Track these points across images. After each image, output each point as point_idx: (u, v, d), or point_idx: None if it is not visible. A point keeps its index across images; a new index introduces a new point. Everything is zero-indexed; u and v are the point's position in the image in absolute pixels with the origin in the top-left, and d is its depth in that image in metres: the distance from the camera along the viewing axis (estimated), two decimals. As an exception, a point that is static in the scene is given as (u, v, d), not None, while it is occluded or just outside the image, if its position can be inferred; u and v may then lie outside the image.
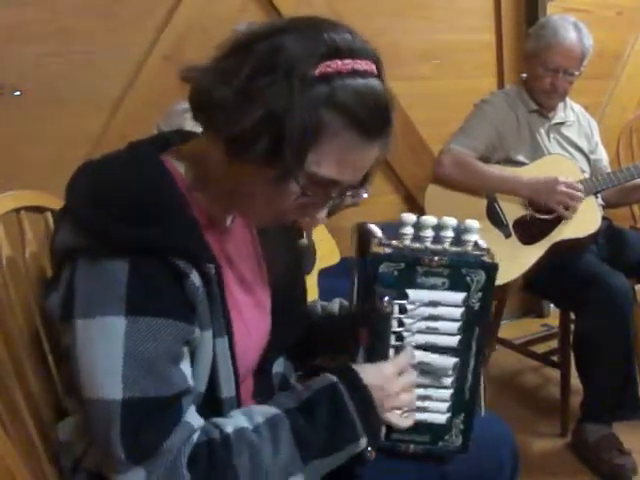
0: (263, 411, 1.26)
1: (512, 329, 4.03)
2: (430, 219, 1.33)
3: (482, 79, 3.97)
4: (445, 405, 1.43)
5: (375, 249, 1.31)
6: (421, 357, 1.38)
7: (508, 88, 3.36)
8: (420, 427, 1.42)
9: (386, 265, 1.30)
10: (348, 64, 1.16)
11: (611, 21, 4.26)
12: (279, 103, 1.13)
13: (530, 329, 4.18)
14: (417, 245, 1.34)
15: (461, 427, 1.44)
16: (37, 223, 1.59)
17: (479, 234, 1.37)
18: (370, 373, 1.33)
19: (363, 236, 1.44)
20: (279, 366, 1.57)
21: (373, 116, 1.19)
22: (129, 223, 1.15)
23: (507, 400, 3.42)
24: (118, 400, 1.13)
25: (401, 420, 1.37)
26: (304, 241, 2.70)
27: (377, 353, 1.37)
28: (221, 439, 1.20)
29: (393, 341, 1.37)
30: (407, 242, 1.33)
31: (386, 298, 1.30)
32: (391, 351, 1.38)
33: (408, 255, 1.32)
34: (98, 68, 3.15)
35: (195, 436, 1.19)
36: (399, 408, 1.37)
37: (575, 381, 2.99)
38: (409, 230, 1.34)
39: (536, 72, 3.07)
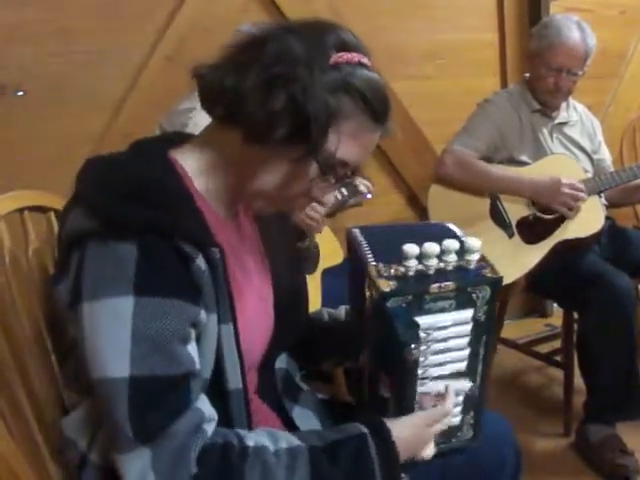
0: (288, 439, 1.27)
1: (515, 329, 4.02)
2: (433, 247, 1.31)
3: (485, 79, 3.96)
4: (458, 409, 1.44)
5: (381, 285, 1.28)
6: (438, 386, 1.39)
7: (511, 88, 3.35)
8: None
9: (394, 300, 1.28)
10: (355, 57, 1.28)
11: (614, 20, 4.25)
12: (301, 86, 1.21)
13: (533, 329, 4.17)
14: (420, 268, 1.32)
15: (471, 422, 1.46)
16: (40, 223, 1.60)
17: (481, 252, 1.36)
18: (404, 428, 1.34)
19: (351, 245, 1.46)
20: (282, 362, 1.58)
21: (380, 101, 1.29)
22: (138, 206, 1.18)
23: (510, 400, 3.42)
24: (126, 378, 1.14)
25: (426, 452, 1.39)
26: (307, 242, 2.70)
27: (406, 398, 1.36)
28: (239, 448, 1.20)
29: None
30: (411, 271, 1.31)
31: (412, 345, 1.28)
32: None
33: (414, 287, 1.30)
34: (100, 68, 3.15)
35: (209, 429, 1.20)
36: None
37: (578, 381, 2.98)
38: (413, 262, 1.31)
39: (539, 72, 3.06)
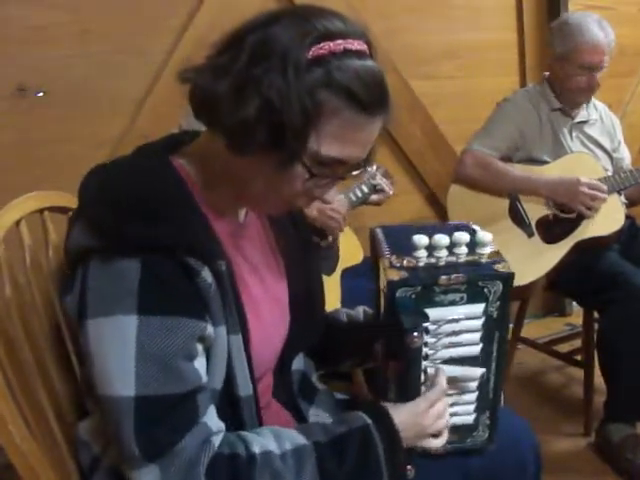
0: (292, 438, 1.25)
1: (535, 328, 4.02)
2: (443, 238, 1.30)
3: (504, 78, 3.95)
4: (471, 407, 1.44)
5: (390, 275, 1.29)
6: (449, 372, 1.37)
7: (530, 86, 3.33)
8: (449, 429, 1.42)
9: (403, 290, 1.28)
10: (340, 44, 1.17)
11: (633, 18, 4.21)
12: (275, 91, 1.14)
13: (553, 328, 4.17)
14: (431, 261, 1.32)
15: (487, 422, 1.46)
16: (60, 223, 1.60)
17: (492, 245, 1.35)
18: (403, 413, 1.32)
19: (374, 245, 1.45)
20: (298, 363, 1.57)
21: (371, 91, 1.19)
22: (140, 221, 1.17)
23: (530, 399, 3.41)
24: (131, 397, 1.14)
25: (434, 442, 1.37)
26: (327, 241, 2.71)
27: (409, 385, 1.34)
28: (246, 457, 1.19)
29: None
30: (421, 262, 1.31)
31: (415, 333, 1.26)
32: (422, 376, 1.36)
33: (424, 277, 1.30)
34: (120, 70, 3.17)
35: (216, 442, 1.19)
36: (435, 434, 1.37)
37: (599, 380, 2.96)
38: (423, 253, 1.32)
39: (569, 72, 3.01)
